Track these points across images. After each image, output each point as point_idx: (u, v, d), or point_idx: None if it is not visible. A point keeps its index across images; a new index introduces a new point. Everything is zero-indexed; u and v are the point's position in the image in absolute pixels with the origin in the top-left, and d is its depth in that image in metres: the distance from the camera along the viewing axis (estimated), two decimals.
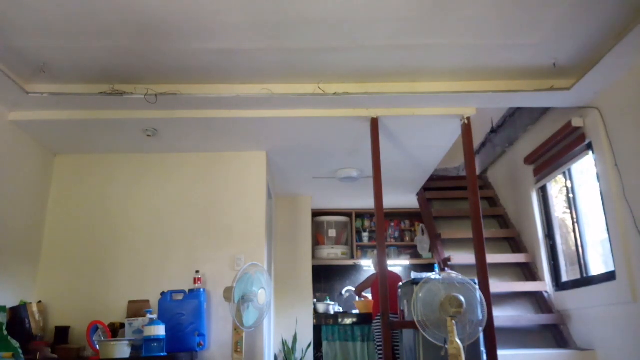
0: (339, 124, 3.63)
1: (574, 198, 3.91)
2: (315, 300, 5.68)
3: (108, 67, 3.00)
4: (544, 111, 4.06)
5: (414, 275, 3.31)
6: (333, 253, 6.00)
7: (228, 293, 3.23)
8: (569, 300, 3.83)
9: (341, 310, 5.76)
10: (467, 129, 3.49)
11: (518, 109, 4.54)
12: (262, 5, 2.46)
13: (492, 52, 2.93)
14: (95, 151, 4.02)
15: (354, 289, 6.04)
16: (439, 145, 4.06)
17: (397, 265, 6.15)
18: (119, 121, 3.48)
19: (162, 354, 3.11)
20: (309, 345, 5.21)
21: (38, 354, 3.10)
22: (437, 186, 5.43)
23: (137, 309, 3.52)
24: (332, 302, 5.69)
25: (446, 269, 4.19)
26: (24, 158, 3.62)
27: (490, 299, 3.05)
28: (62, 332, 3.48)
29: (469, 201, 3.37)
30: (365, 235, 6.28)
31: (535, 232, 4.32)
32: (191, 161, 4.07)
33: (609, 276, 3.32)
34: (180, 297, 3.53)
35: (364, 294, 5.36)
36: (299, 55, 2.91)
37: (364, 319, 5.11)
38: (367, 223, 6.38)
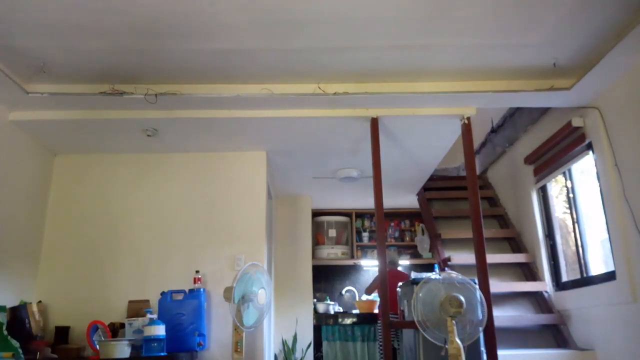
0: (339, 124, 3.63)
1: (574, 198, 3.91)
2: (315, 300, 5.68)
3: (108, 67, 3.00)
4: (544, 111, 4.06)
5: (414, 275, 3.31)
6: (333, 253, 6.00)
7: (228, 293, 3.23)
8: (569, 300, 3.83)
9: (341, 310, 5.76)
10: (467, 129, 3.49)
11: (518, 109, 4.54)
12: (262, 5, 2.46)
13: (492, 52, 2.93)
14: (95, 151, 4.02)
15: (354, 289, 6.06)
16: (439, 145, 4.06)
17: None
18: (119, 121, 3.48)
19: (162, 354, 3.11)
20: (309, 345, 5.21)
21: (38, 354, 3.10)
22: (437, 186, 5.44)
23: (137, 308, 3.53)
24: (332, 302, 5.69)
25: (446, 269, 4.19)
26: (24, 158, 3.62)
27: (490, 299, 3.05)
28: (62, 332, 3.48)
29: (469, 201, 3.37)
30: (365, 235, 6.28)
31: (535, 232, 4.32)
32: (191, 161, 4.07)
33: (609, 276, 3.33)
34: (180, 297, 3.53)
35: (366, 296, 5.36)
36: (299, 55, 2.91)
37: (364, 319, 5.11)
38: (367, 223, 6.38)
